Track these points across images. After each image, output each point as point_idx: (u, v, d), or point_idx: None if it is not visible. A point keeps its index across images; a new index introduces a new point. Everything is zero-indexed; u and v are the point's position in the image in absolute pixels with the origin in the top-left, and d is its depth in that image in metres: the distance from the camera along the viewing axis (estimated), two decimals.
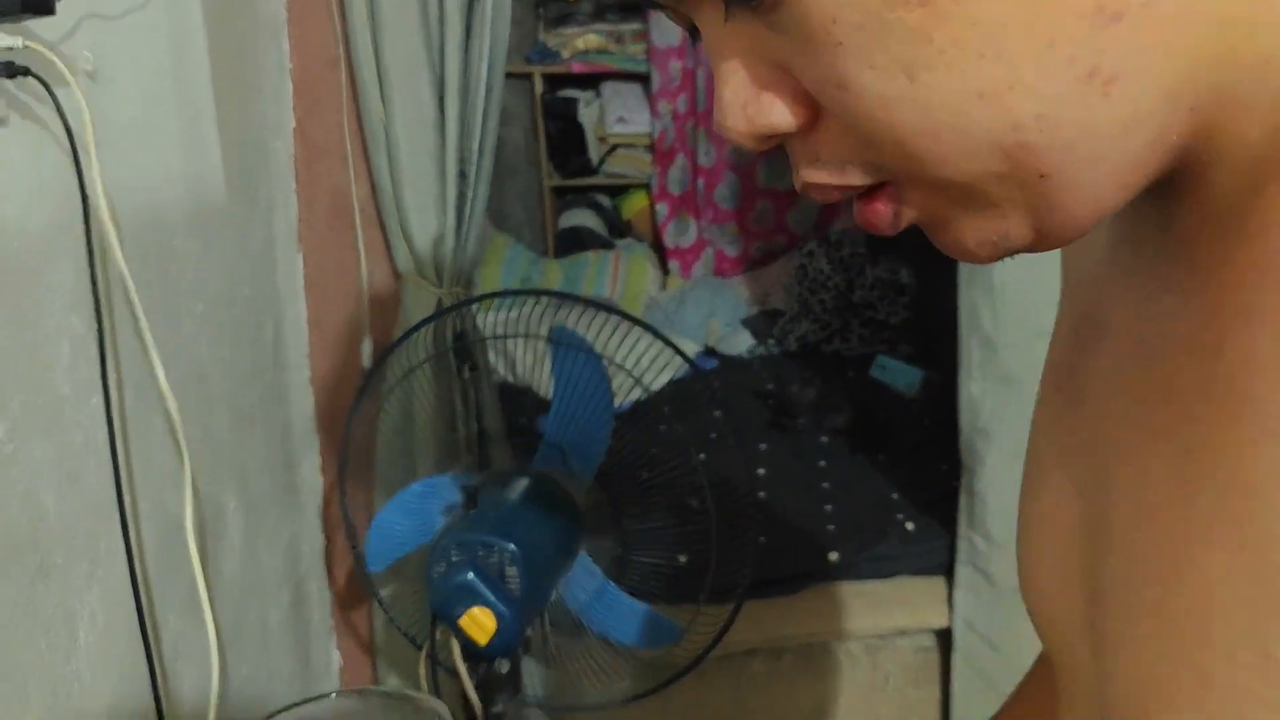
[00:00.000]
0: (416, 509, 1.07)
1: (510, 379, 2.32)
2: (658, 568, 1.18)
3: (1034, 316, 1.00)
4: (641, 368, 1.13)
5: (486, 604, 0.87)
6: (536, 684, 1.32)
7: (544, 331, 1.10)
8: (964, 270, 1.56)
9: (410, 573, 1.30)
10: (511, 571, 0.90)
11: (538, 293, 1.24)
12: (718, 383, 2.45)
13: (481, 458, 1.09)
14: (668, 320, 2.74)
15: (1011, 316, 1.51)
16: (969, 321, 1.57)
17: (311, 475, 1.62)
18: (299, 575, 1.57)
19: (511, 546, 0.90)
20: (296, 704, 0.57)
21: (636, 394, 1.17)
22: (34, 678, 0.87)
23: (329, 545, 1.66)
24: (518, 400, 2.16)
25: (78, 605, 0.94)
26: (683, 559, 1.23)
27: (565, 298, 1.16)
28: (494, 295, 1.64)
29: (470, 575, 0.89)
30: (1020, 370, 1.51)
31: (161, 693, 1.04)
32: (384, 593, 1.38)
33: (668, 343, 1.13)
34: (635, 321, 1.14)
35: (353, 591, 1.69)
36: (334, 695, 0.58)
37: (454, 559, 0.91)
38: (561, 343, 1.05)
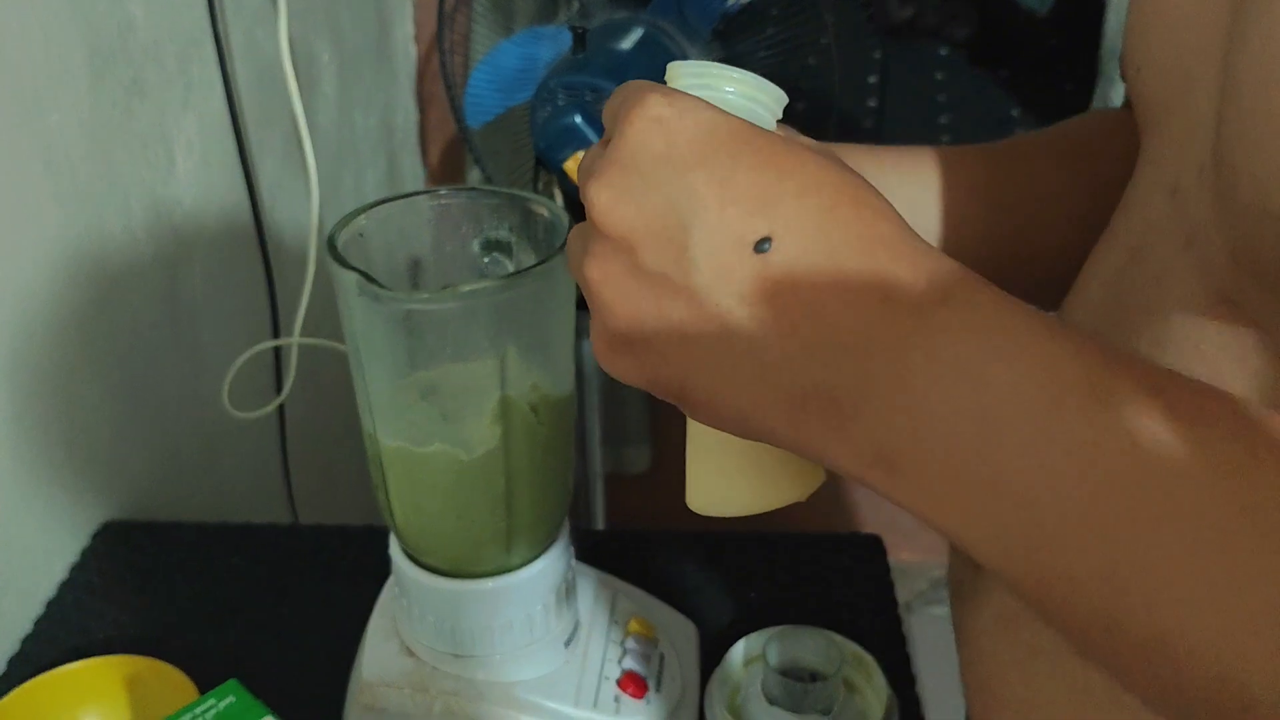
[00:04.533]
0: (521, 58, 0.99)
1: None
2: None
3: None
4: None
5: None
6: None
7: None
8: None
9: (507, 146, 1.25)
10: None
11: None
12: None
13: (583, 9, 1.00)
14: None
15: None
16: None
17: (405, 43, 1.55)
18: (392, 147, 1.53)
19: None
20: (403, 195, 0.53)
21: None
22: (136, 191, 0.86)
23: (423, 119, 1.62)
24: None
25: (174, 130, 0.91)
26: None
27: None
28: None
29: (577, 118, 0.83)
30: None
31: (265, 231, 1.04)
32: (477, 172, 1.34)
33: None
34: None
35: (447, 171, 1.66)
36: (443, 191, 0.54)
37: (560, 102, 0.85)
38: None
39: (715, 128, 0.32)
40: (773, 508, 0.39)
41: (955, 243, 0.60)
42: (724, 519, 0.40)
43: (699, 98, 0.34)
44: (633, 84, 0.35)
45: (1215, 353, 0.39)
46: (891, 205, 0.33)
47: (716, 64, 0.38)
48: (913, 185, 0.61)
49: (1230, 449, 0.27)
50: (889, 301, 0.30)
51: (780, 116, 0.39)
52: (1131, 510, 0.27)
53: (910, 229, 0.32)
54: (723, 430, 0.33)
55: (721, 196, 0.31)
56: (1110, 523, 0.27)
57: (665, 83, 0.38)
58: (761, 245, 0.30)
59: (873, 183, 0.33)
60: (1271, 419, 0.28)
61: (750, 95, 0.38)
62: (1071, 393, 0.28)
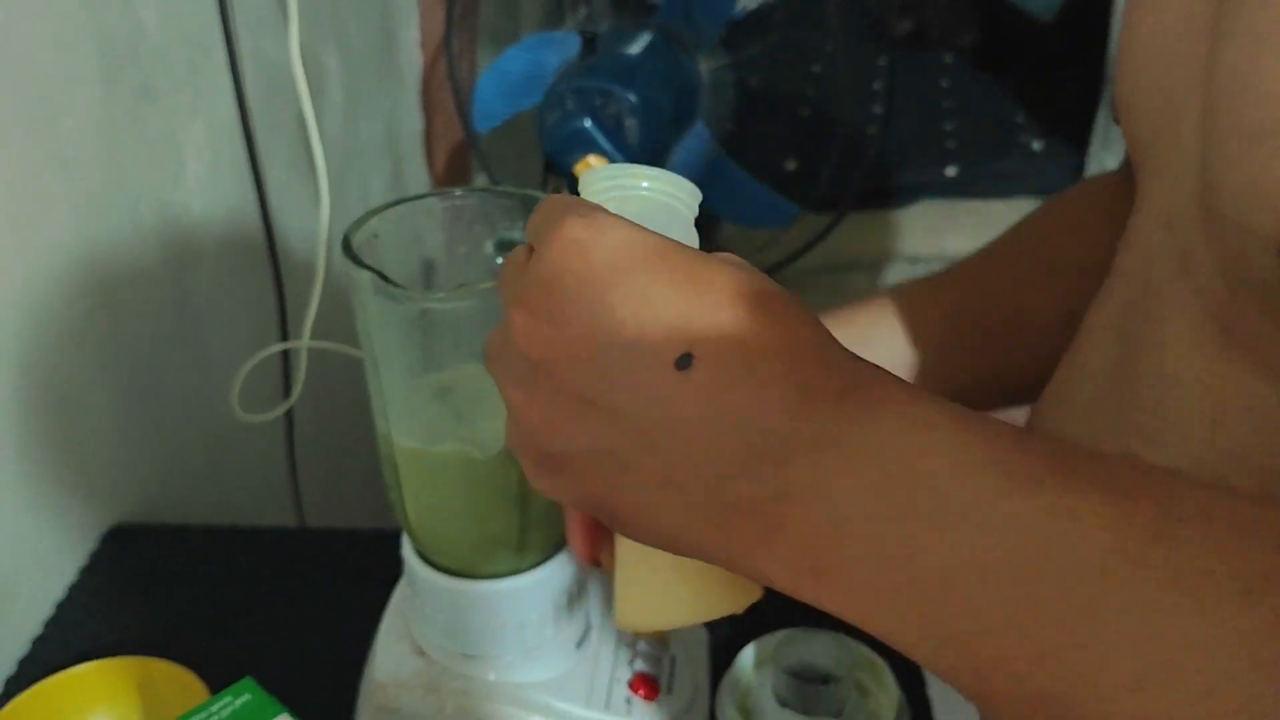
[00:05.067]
0: (529, 63, 1.00)
1: None
2: (776, 141, 1.12)
3: None
4: None
5: (602, 152, 0.83)
6: None
7: None
8: None
9: (513, 152, 1.25)
10: (630, 123, 0.84)
11: None
12: None
13: (591, 15, 1.00)
14: None
15: None
16: None
17: (410, 50, 1.56)
18: (397, 153, 1.54)
19: (631, 96, 0.84)
20: (416, 196, 0.54)
21: None
22: (145, 195, 0.86)
23: (429, 127, 1.62)
24: None
25: (183, 135, 0.92)
26: (791, 165, 1.17)
27: None
28: None
29: (587, 122, 0.84)
30: None
31: (275, 235, 1.04)
32: (483, 178, 1.35)
33: None
34: None
35: (452, 177, 1.67)
36: (456, 192, 0.54)
37: (569, 106, 0.85)
38: None
39: (632, 246, 0.32)
40: (705, 620, 0.39)
41: (943, 376, 0.62)
42: None
43: (617, 216, 0.33)
44: (554, 201, 0.35)
45: (1219, 385, 0.39)
46: (806, 310, 0.33)
47: (630, 165, 0.38)
48: (885, 332, 0.63)
49: (1152, 518, 0.27)
50: (805, 408, 0.30)
51: (696, 213, 0.39)
52: (1063, 591, 0.26)
53: (828, 334, 0.32)
54: (656, 546, 0.33)
55: (639, 315, 0.31)
56: (1043, 606, 0.26)
57: (580, 189, 0.38)
58: (681, 362, 0.30)
59: (850, 346, 0.33)
60: (1191, 485, 0.28)
61: (666, 192, 0.38)
62: (992, 480, 0.28)
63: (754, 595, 0.38)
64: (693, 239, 0.39)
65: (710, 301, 0.31)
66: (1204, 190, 0.38)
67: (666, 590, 0.38)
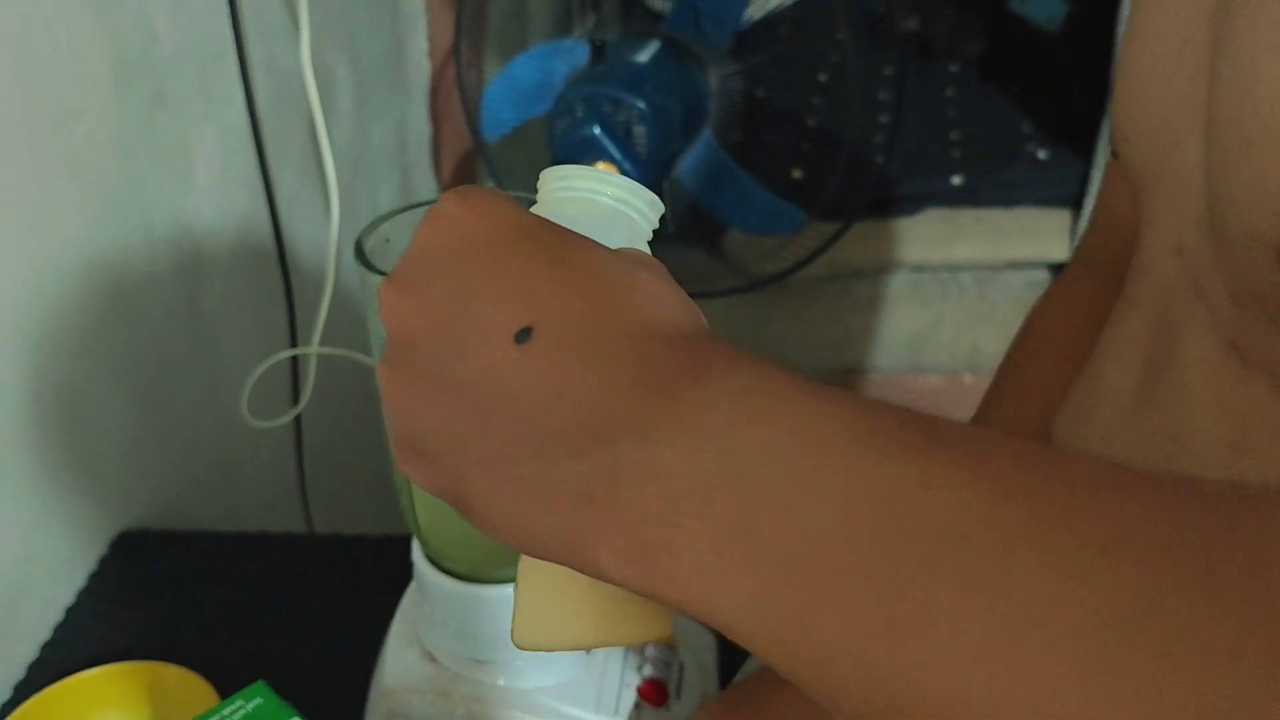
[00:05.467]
0: (538, 71, 1.00)
1: None
2: (783, 150, 1.12)
3: None
4: None
5: (612, 160, 0.83)
6: None
7: None
8: None
9: (521, 160, 1.26)
10: (639, 130, 0.85)
11: None
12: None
13: (600, 24, 1.01)
14: None
15: None
16: None
17: (419, 59, 1.56)
18: (406, 162, 1.54)
19: (641, 104, 0.85)
20: (428, 201, 0.54)
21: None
22: (157, 202, 0.86)
23: (437, 134, 1.63)
24: None
25: (195, 142, 0.92)
26: (797, 174, 1.17)
27: None
28: None
29: (596, 129, 0.84)
30: None
31: (284, 242, 1.04)
32: (491, 185, 1.35)
33: None
34: None
35: (460, 186, 1.67)
36: None
37: (579, 113, 0.86)
38: None
39: (504, 223, 0.32)
40: (609, 646, 0.36)
41: None
42: None
43: (498, 196, 0.33)
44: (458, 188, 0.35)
45: (1239, 407, 0.39)
46: (679, 294, 0.31)
47: (591, 169, 0.37)
48: None
49: (1007, 475, 0.24)
50: (641, 387, 0.28)
51: (656, 225, 0.38)
52: (905, 556, 0.24)
53: (693, 318, 0.31)
54: (503, 542, 0.31)
55: (492, 289, 0.30)
56: (885, 574, 0.24)
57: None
58: (521, 336, 0.29)
59: None
60: (1042, 449, 0.26)
61: (619, 199, 0.37)
62: (838, 446, 0.26)
63: (663, 627, 0.35)
64: (638, 248, 0.37)
65: (567, 278, 0.30)
66: (1211, 207, 0.38)
67: (567, 607, 0.36)
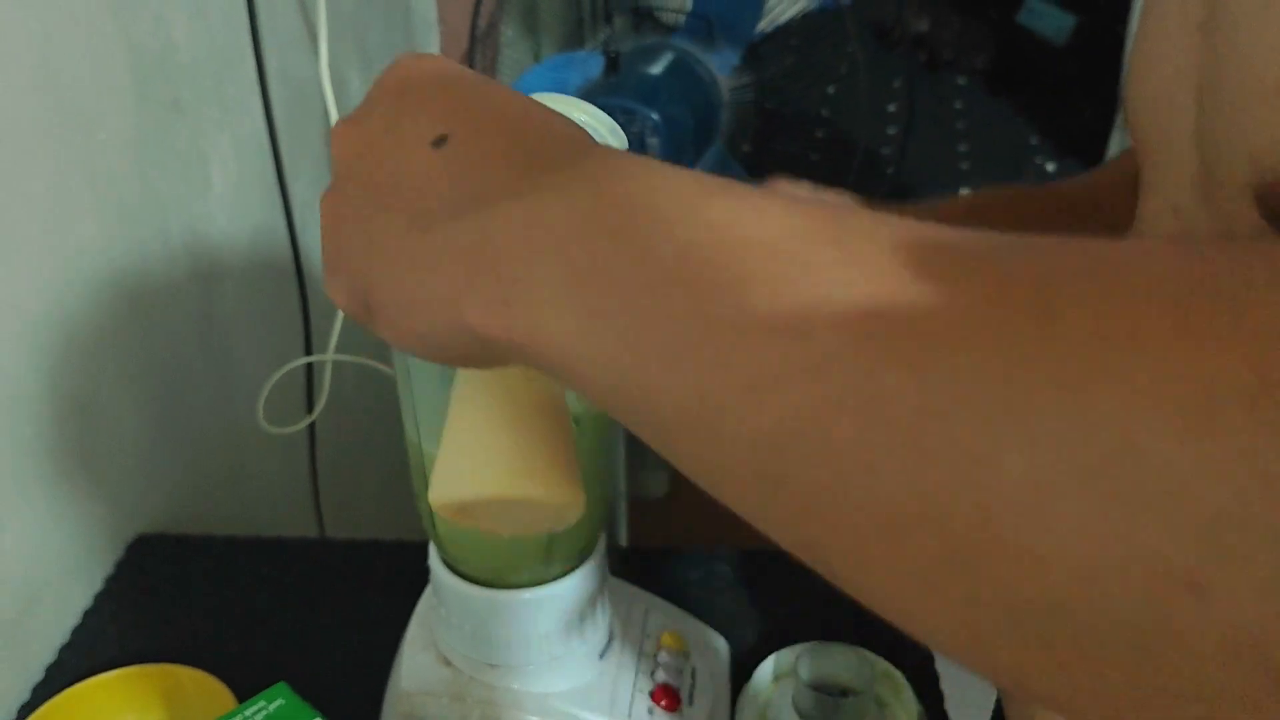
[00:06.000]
0: (551, 82, 1.01)
1: None
2: (793, 161, 1.13)
3: None
4: None
5: None
6: None
7: None
8: None
9: None
10: (653, 142, 0.85)
11: None
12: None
13: (612, 35, 1.01)
14: None
15: None
16: None
17: None
18: None
19: (654, 115, 0.86)
20: None
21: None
22: (173, 208, 0.87)
23: None
24: None
25: (211, 149, 0.93)
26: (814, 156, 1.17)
27: None
28: None
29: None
30: None
31: (300, 249, 1.05)
32: None
33: None
34: None
35: None
36: None
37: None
38: None
39: (444, 69, 0.34)
40: (515, 509, 0.37)
41: None
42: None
43: (451, 59, 0.36)
44: None
45: None
46: (584, 131, 0.33)
47: (563, 96, 0.39)
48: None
49: (837, 213, 0.24)
50: (530, 165, 0.30)
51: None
52: (730, 276, 0.24)
53: (605, 148, 0.32)
54: (405, 346, 0.32)
55: (418, 110, 0.33)
56: (715, 295, 0.24)
57: None
58: (438, 142, 0.32)
59: None
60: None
61: (583, 122, 0.39)
62: (690, 188, 0.26)
63: (572, 491, 0.36)
64: None
65: (485, 102, 0.33)
66: (1202, 165, 0.40)
67: (479, 458, 0.37)
